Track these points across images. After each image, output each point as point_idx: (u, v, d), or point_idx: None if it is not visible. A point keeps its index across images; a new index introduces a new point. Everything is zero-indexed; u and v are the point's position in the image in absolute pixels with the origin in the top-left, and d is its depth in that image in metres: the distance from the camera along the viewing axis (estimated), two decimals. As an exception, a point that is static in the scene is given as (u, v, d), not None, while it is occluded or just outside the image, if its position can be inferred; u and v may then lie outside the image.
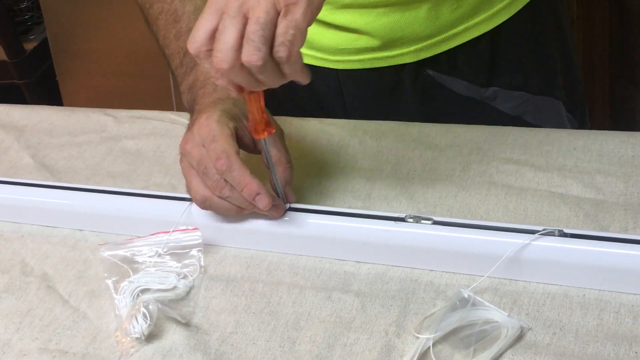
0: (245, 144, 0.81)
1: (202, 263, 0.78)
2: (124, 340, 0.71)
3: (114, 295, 0.75)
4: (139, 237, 0.79)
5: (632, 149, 0.84)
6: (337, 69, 0.99)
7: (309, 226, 0.77)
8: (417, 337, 0.67)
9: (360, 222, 0.76)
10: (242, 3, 0.67)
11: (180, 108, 0.96)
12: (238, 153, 0.77)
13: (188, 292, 0.75)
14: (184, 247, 0.78)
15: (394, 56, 0.96)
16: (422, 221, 0.74)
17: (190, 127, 0.81)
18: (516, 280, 0.71)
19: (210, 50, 0.68)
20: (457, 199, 0.82)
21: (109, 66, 2.20)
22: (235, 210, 0.78)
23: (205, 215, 0.80)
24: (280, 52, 0.67)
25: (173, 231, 0.79)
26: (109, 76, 2.19)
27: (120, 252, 0.78)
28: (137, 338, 0.71)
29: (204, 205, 0.78)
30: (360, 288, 0.73)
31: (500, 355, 0.65)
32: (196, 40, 0.68)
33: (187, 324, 0.72)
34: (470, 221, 0.73)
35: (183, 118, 1.01)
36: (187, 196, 0.81)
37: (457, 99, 0.99)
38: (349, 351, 0.67)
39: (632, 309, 0.67)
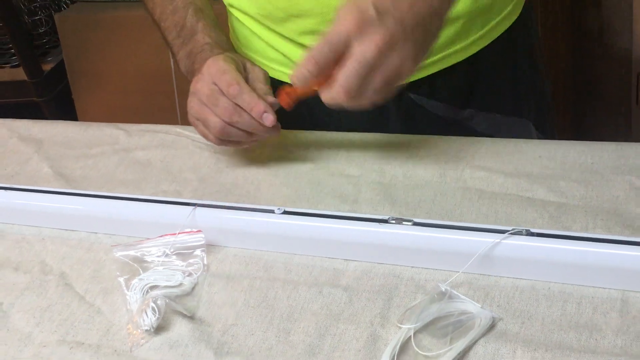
0: None
1: (205, 262, 0.78)
2: (134, 332, 0.71)
3: (126, 291, 0.75)
4: (148, 238, 0.80)
5: (591, 157, 0.85)
6: None
7: (302, 228, 0.77)
8: (400, 327, 0.67)
9: (348, 224, 0.76)
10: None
11: (184, 122, 0.96)
12: (244, 81, 0.83)
13: (193, 288, 0.75)
14: (188, 248, 0.78)
15: None
16: (404, 222, 0.74)
17: (197, 71, 0.86)
18: (488, 275, 0.72)
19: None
20: (434, 203, 0.82)
21: (120, 85, 2.20)
22: (246, 137, 0.84)
23: (207, 218, 0.80)
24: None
25: (179, 233, 0.79)
26: (120, 94, 2.19)
27: (131, 253, 0.78)
28: (146, 330, 0.71)
29: (223, 134, 0.84)
30: (348, 283, 0.74)
31: (474, 343, 0.65)
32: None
33: (192, 317, 0.72)
34: (446, 222, 0.74)
35: (188, 131, 1.01)
36: (192, 201, 0.82)
37: (436, 119, 0.98)
38: (338, 340, 0.68)
39: (592, 301, 0.68)
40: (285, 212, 0.78)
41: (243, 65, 0.87)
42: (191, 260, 0.78)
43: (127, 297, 0.74)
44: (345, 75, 0.73)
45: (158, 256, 0.78)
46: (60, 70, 2.06)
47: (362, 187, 0.86)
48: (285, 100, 0.84)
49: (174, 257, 0.78)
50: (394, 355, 0.65)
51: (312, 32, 0.94)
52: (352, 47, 0.72)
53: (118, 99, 2.24)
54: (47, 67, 2.08)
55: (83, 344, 0.71)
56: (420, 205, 0.82)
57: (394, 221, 0.74)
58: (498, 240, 0.70)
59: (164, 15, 0.96)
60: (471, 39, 0.94)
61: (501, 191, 0.82)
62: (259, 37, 1.01)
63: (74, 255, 0.82)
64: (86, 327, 0.73)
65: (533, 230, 0.70)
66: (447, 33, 0.92)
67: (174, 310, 0.72)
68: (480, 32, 0.94)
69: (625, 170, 0.82)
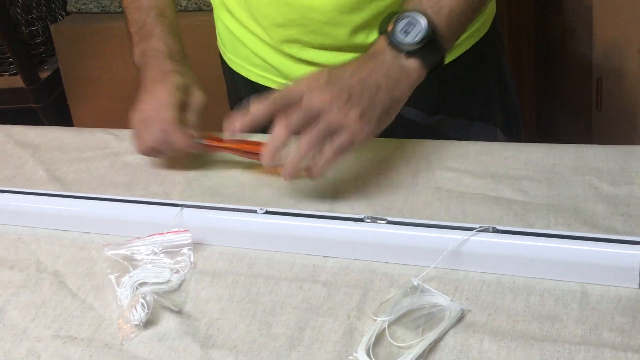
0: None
1: (192, 259, 0.77)
2: (125, 327, 0.70)
3: (116, 288, 0.74)
4: (138, 238, 0.79)
5: (553, 158, 0.85)
6: None
7: (283, 226, 0.77)
8: (375, 320, 0.67)
9: (326, 223, 0.76)
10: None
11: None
12: (178, 121, 0.87)
13: (180, 285, 0.75)
14: (176, 246, 0.78)
15: None
16: (378, 221, 0.74)
17: (145, 88, 0.90)
18: (457, 270, 0.72)
19: None
20: (407, 202, 0.82)
21: (113, 91, 2.19)
22: (167, 157, 0.89)
23: (194, 218, 0.79)
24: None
25: (167, 233, 0.78)
26: (114, 100, 2.17)
27: (122, 251, 0.78)
28: (136, 325, 0.70)
29: (150, 152, 0.89)
30: (327, 278, 0.73)
31: (445, 334, 0.65)
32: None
33: (179, 312, 0.72)
34: (418, 221, 0.74)
35: (175, 136, 1.00)
36: (179, 202, 0.81)
37: (409, 124, 0.98)
38: (317, 333, 0.67)
39: (554, 293, 0.68)
40: (267, 212, 0.78)
41: (186, 89, 0.90)
42: (179, 258, 0.77)
43: (118, 293, 0.74)
44: (291, 117, 0.77)
45: (147, 254, 0.77)
46: (56, 77, 2.04)
47: (340, 188, 0.85)
48: (208, 147, 0.90)
49: (163, 255, 0.77)
50: (369, 346, 0.64)
51: (295, 41, 0.94)
52: (301, 100, 0.77)
53: (111, 105, 2.22)
54: (43, 75, 2.07)
55: (76, 338, 0.70)
56: (394, 205, 0.81)
57: (369, 220, 0.74)
58: (466, 237, 0.70)
59: (130, 8, 0.99)
60: None
61: (469, 191, 0.82)
62: (244, 44, 1.01)
63: (67, 254, 0.82)
64: (78, 322, 0.72)
65: (499, 227, 0.71)
66: None
67: (162, 305, 0.72)
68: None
69: (584, 171, 0.82)
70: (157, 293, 0.73)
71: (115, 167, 0.96)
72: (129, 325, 0.70)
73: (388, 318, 0.66)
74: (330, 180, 0.87)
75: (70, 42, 1.98)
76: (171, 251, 0.78)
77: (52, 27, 1.97)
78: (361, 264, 0.74)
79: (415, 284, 0.69)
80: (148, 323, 0.70)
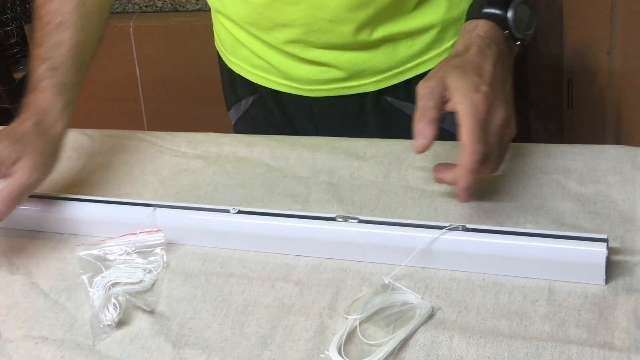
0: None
1: (164, 259, 0.77)
2: (97, 327, 0.70)
3: (89, 288, 0.74)
4: (110, 238, 0.79)
5: (522, 157, 0.86)
6: (309, 97, 0.99)
7: (256, 226, 0.77)
8: (347, 318, 0.67)
9: (298, 222, 0.76)
10: None
11: (150, 127, 0.95)
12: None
13: (153, 285, 0.75)
14: (149, 246, 0.78)
15: (358, 86, 0.96)
16: (350, 220, 0.74)
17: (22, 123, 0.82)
18: (428, 268, 0.72)
19: None
20: (379, 201, 0.82)
21: (88, 92, 2.16)
22: None
23: (167, 218, 0.79)
24: None
25: (140, 233, 0.78)
26: (88, 100, 2.15)
27: (94, 252, 0.77)
28: (108, 325, 0.70)
29: None
30: (299, 278, 0.73)
31: (415, 330, 0.65)
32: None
33: (151, 312, 0.71)
34: (390, 219, 0.74)
35: (149, 136, 1.00)
36: (152, 202, 0.81)
37: (410, 121, 0.97)
38: (290, 331, 0.67)
39: (523, 290, 0.68)
40: (240, 212, 0.78)
41: (12, 161, 0.78)
42: (151, 258, 0.77)
43: (90, 293, 0.73)
44: (478, 135, 0.72)
45: (120, 255, 0.77)
46: (30, 78, 2.02)
47: (312, 187, 0.85)
48: None
49: (135, 255, 0.77)
50: (340, 344, 0.65)
51: (297, 42, 0.93)
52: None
53: (86, 106, 2.20)
54: (18, 76, 2.04)
55: (47, 339, 0.70)
56: (366, 204, 0.82)
57: (341, 219, 0.74)
58: (437, 236, 0.70)
59: (41, 21, 0.88)
60: (444, 46, 0.94)
61: (440, 190, 0.82)
62: (244, 45, 1.00)
63: (39, 255, 0.81)
64: (51, 322, 0.72)
65: (469, 225, 0.71)
66: (422, 41, 0.93)
67: (135, 305, 0.72)
68: (452, 41, 0.94)
69: (552, 170, 0.83)
70: (130, 293, 0.72)
71: (88, 167, 0.95)
72: (101, 325, 0.70)
73: (359, 316, 0.66)
74: (303, 180, 0.87)
75: (45, 43, 1.96)
76: (144, 251, 0.77)
77: (26, 28, 1.95)
78: (333, 263, 0.74)
79: (387, 282, 0.69)
80: (120, 323, 0.70)
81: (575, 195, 0.78)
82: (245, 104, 1.08)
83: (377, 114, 0.99)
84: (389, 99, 0.98)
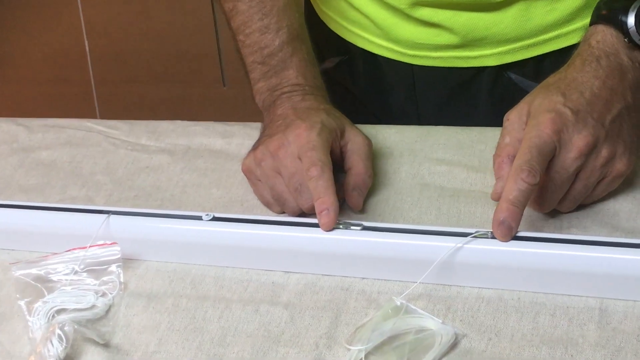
0: (335, 155, 0.82)
1: (121, 279, 0.77)
2: (38, 364, 0.70)
3: (27, 317, 0.73)
4: (54, 254, 0.78)
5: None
6: (412, 64, 0.98)
7: (235, 236, 0.77)
8: (349, 349, 0.67)
9: (287, 230, 0.76)
10: None
11: (103, 114, 0.95)
12: (331, 167, 0.78)
13: (107, 311, 0.74)
14: (102, 263, 0.77)
15: (475, 57, 0.95)
16: (352, 227, 0.74)
17: (279, 129, 0.83)
18: (450, 285, 0.72)
19: None
20: (388, 203, 0.82)
21: (27, 72, 2.17)
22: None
23: (124, 228, 0.79)
24: None
25: (90, 246, 0.77)
26: (23, 81, 2.16)
27: (34, 271, 0.77)
28: (52, 362, 0.70)
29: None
30: (289, 299, 0.73)
31: (435, 364, 0.65)
32: None
33: (106, 345, 0.71)
34: (400, 225, 0.74)
35: (100, 126, 1.00)
36: (105, 208, 0.81)
37: None
38: (278, 366, 0.68)
39: (568, 311, 0.68)
40: (214, 219, 0.78)
41: (341, 132, 0.83)
42: (105, 278, 0.77)
43: (29, 323, 0.73)
44: (548, 190, 0.74)
45: (65, 274, 0.77)
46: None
47: (305, 186, 0.85)
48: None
49: (85, 274, 0.77)
50: (342, 382, 0.65)
51: (427, 4, 0.91)
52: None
53: (24, 89, 2.21)
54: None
55: (-24, 381, 0.70)
56: (371, 207, 0.82)
57: (341, 226, 0.74)
58: (460, 245, 0.70)
59: (248, 28, 0.91)
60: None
61: (464, 187, 0.82)
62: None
63: (-35, 276, 0.81)
64: (-20, 360, 0.72)
65: (499, 232, 0.71)
66: (566, 7, 0.90)
67: (85, 337, 0.71)
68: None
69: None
70: (79, 322, 0.72)
71: (24, 165, 0.95)
72: (44, 362, 0.69)
73: (365, 347, 0.66)
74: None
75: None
76: (96, 269, 0.77)
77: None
78: (331, 281, 0.74)
79: (398, 303, 0.69)
80: (67, 359, 0.70)
81: (633, 191, 0.78)
82: (328, 64, 1.08)
83: (495, 93, 0.97)
84: (512, 76, 0.96)
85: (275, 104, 0.87)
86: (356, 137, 0.84)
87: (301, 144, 0.79)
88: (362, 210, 0.81)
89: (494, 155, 0.77)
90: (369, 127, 0.93)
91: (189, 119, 1.00)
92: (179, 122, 0.99)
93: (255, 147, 0.84)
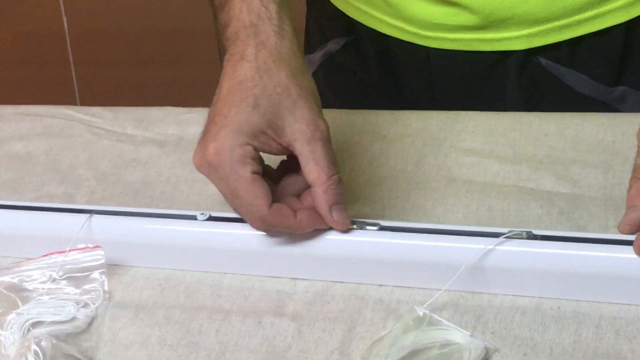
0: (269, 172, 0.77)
1: (105, 287, 0.77)
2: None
3: (0, 331, 0.74)
4: (29, 259, 0.79)
5: (612, 133, 0.86)
6: (427, 47, 0.97)
7: (234, 238, 0.77)
8: (365, 366, 0.67)
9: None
10: None
11: (84, 99, 0.96)
12: (268, 203, 0.72)
13: (90, 324, 0.75)
14: (83, 269, 0.78)
15: (499, 39, 0.94)
16: (368, 227, 0.74)
17: (205, 129, 0.75)
18: (480, 293, 0.72)
19: None
20: (409, 200, 0.82)
21: (-2, 53, 2.17)
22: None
23: (108, 229, 0.79)
24: None
25: (70, 250, 0.78)
26: (-3, 65, 2.16)
27: (6, 279, 0.77)
28: (28, 381, 0.70)
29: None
30: (297, 310, 0.74)
31: (463, 382, 0.66)
32: None
33: (88, 362, 0.71)
34: (424, 225, 0.74)
35: (81, 114, 1.01)
36: (87, 207, 0.81)
37: (572, 95, 0.96)
38: (284, 386, 0.68)
39: (614, 322, 0.68)
40: (211, 218, 0.78)
41: (275, 128, 0.73)
42: (87, 286, 0.77)
43: (2, 337, 0.73)
44: None
45: (42, 282, 0.77)
46: None
47: (314, 181, 0.85)
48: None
49: (64, 282, 0.77)
50: (357, 403, 0.65)
51: None
52: None
53: (-6, 72, 2.22)
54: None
55: (-58, 403, 0.70)
56: (390, 204, 0.82)
57: (355, 226, 0.74)
58: (491, 247, 0.70)
59: None
60: None
61: (496, 182, 0.82)
62: None
63: None
64: (-54, 380, 0.72)
65: (536, 232, 0.71)
66: None
67: (65, 353, 0.72)
68: None
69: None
70: (57, 336, 0.72)
71: (-5, 159, 0.96)
72: (18, 382, 0.70)
73: (383, 363, 0.66)
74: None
75: None
76: (77, 277, 0.77)
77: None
78: (345, 288, 0.75)
79: (421, 314, 0.69)
80: (45, 379, 0.70)
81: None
82: (332, 45, 1.08)
83: (522, 81, 0.97)
84: (543, 61, 0.95)
85: (224, 61, 0.78)
86: (296, 127, 0.73)
87: (222, 176, 0.73)
88: (378, 207, 0.81)
89: (631, 179, 0.73)
90: (386, 113, 0.93)
91: (181, 105, 1.00)
92: (170, 108, 0.99)
93: (199, 139, 0.75)
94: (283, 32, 0.76)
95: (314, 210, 0.73)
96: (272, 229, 0.74)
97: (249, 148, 0.72)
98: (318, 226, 0.74)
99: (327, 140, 0.73)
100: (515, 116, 0.91)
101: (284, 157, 0.77)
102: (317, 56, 1.10)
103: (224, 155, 0.72)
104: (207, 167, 0.73)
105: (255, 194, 0.71)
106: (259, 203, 0.72)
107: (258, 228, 0.74)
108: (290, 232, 0.74)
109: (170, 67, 2.19)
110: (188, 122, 0.96)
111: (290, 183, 0.76)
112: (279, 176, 0.77)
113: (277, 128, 0.73)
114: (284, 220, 0.72)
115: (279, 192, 0.75)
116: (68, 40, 2.17)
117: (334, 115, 0.94)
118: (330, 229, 0.74)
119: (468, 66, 0.97)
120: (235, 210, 0.75)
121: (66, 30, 2.16)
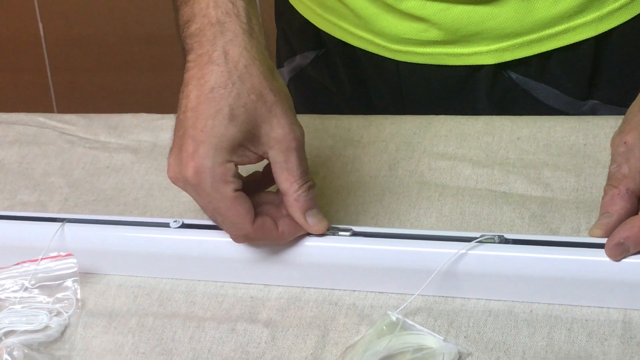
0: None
1: (78, 296, 0.77)
2: (-16, 394, 0.70)
3: (-29, 340, 0.74)
4: (1, 268, 0.78)
5: (583, 136, 0.86)
6: (397, 60, 0.97)
7: (207, 245, 0.77)
8: (338, 372, 0.67)
9: (267, 238, 0.76)
10: None
11: (60, 106, 0.95)
12: (252, 219, 0.71)
13: (63, 332, 0.74)
14: (56, 278, 0.77)
15: (469, 54, 0.93)
16: (340, 233, 0.74)
17: (176, 142, 0.72)
18: (453, 297, 0.72)
19: None
20: (382, 204, 0.82)
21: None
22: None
23: (81, 237, 0.79)
24: None
25: (42, 259, 0.77)
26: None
27: (-22, 288, 0.77)
28: (0, 392, 0.70)
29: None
30: (270, 316, 0.73)
31: (436, 387, 0.66)
32: None
33: (61, 371, 0.71)
34: (396, 230, 0.74)
35: (54, 121, 1.00)
36: (60, 215, 0.81)
37: (544, 110, 0.95)
38: (258, 393, 0.68)
39: (586, 324, 0.68)
40: (184, 225, 0.78)
41: (250, 137, 0.72)
42: (60, 295, 0.77)
43: (-27, 348, 0.73)
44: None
45: (14, 291, 0.77)
46: None
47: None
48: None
49: (37, 291, 0.77)
50: (330, 410, 0.65)
51: None
52: None
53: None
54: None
55: None
56: (363, 209, 0.82)
57: (328, 231, 0.74)
58: (463, 251, 0.70)
59: None
60: (607, 9, 0.90)
61: (468, 185, 0.83)
62: None
63: None
64: None
65: (507, 236, 0.71)
66: None
67: (37, 363, 0.72)
68: (621, 1, 0.90)
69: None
70: (29, 345, 0.72)
71: (-32, 167, 0.96)
72: (-10, 392, 0.70)
73: (356, 368, 0.66)
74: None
75: None
76: (49, 285, 0.77)
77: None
78: (318, 294, 0.75)
79: (394, 319, 0.69)
80: (17, 389, 0.70)
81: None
82: (301, 60, 1.08)
83: (494, 95, 0.97)
84: (513, 75, 0.95)
85: (186, 60, 0.75)
86: (272, 136, 0.72)
87: (206, 197, 0.71)
88: (351, 212, 0.81)
89: (605, 186, 0.73)
90: (360, 118, 0.93)
91: (159, 112, 1.00)
92: (143, 115, 0.99)
93: (173, 151, 0.73)
94: (251, 30, 0.74)
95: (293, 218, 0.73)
96: (254, 242, 0.74)
97: (230, 165, 0.71)
98: (299, 233, 0.74)
99: (301, 149, 0.73)
100: (488, 120, 0.91)
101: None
102: (285, 70, 1.10)
103: (205, 174, 0.70)
104: (184, 183, 0.72)
105: (239, 212, 0.71)
106: (243, 221, 0.71)
107: (241, 242, 0.74)
108: (272, 243, 0.74)
109: (147, 73, 2.18)
110: (162, 128, 0.96)
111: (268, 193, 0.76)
112: (251, 179, 0.77)
113: (253, 138, 0.72)
114: (267, 235, 0.72)
115: (257, 200, 0.74)
116: (44, 46, 2.16)
117: (307, 120, 0.94)
118: (309, 234, 0.74)
119: (438, 80, 0.97)
120: (216, 223, 0.75)
121: (42, 36, 2.15)
